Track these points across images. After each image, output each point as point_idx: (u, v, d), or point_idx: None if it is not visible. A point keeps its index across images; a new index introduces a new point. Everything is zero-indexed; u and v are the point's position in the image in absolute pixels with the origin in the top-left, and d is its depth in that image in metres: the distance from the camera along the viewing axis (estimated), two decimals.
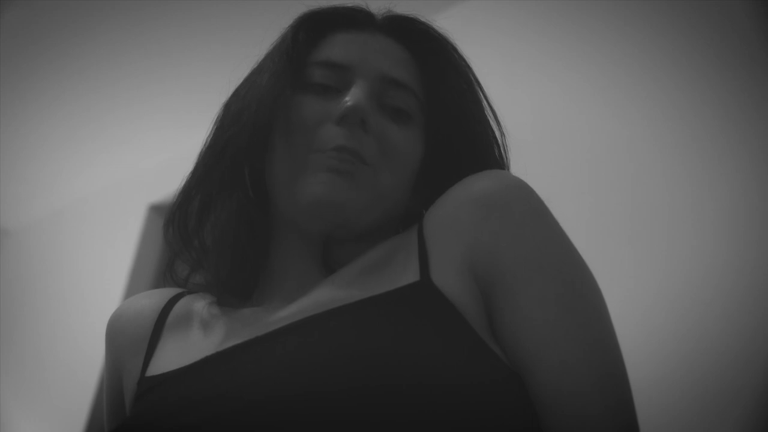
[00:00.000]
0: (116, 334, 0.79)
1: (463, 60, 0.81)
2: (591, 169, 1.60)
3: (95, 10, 2.30)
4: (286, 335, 0.62)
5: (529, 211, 0.65)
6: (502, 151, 0.79)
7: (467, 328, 0.60)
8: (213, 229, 0.77)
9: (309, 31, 0.78)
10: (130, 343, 0.77)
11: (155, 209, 2.77)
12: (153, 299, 0.80)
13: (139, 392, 0.70)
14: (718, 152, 1.44)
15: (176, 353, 0.71)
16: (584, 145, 1.64)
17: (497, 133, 0.79)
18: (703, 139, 1.48)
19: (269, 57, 0.79)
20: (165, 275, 0.80)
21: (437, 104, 0.77)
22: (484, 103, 0.79)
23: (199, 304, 0.77)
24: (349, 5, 0.81)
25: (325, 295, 0.67)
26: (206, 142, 0.78)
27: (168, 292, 0.81)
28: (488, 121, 0.79)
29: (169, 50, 2.46)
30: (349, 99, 0.71)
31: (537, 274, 0.62)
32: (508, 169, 0.78)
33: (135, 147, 2.89)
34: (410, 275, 0.64)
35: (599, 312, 0.63)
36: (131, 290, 2.63)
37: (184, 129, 2.49)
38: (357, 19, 0.79)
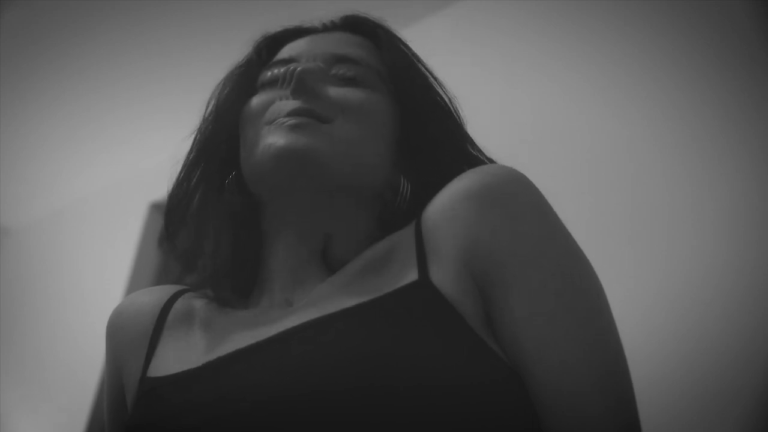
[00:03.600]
0: (117, 331, 0.79)
1: (404, 43, 0.84)
2: (591, 169, 1.60)
3: (95, 10, 2.30)
4: (291, 339, 0.62)
5: (528, 205, 0.65)
6: (456, 114, 0.81)
7: (466, 328, 0.60)
8: (211, 235, 0.79)
9: (267, 48, 0.83)
10: (130, 340, 0.77)
11: (156, 208, 2.77)
12: (154, 296, 0.80)
13: (140, 392, 0.70)
14: (718, 152, 1.44)
15: (178, 354, 0.71)
16: (584, 145, 1.64)
17: (447, 99, 0.81)
18: (703, 139, 1.48)
19: (230, 74, 0.83)
20: (165, 274, 0.81)
21: (395, 81, 0.79)
22: (430, 78, 0.82)
23: (199, 303, 0.77)
24: (302, 24, 0.86)
25: (327, 297, 0.67)
26: (185, 155, 0.82)
27: (169, 290, 0.81)
28: (437, 91, 0.81)
29: (169, 50, 2.46)
30: (294, 67, 0.73)
31: (535, 270, 0.61)
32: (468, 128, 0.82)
33: (135, 147, 2.90)
34: (409, 274, 0.64)
35: (600, 308, 0.62)
36: (132, 289, 2.63)
37: (184, 129, 2.49)
38: (309, 29, 0.84)
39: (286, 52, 0.80)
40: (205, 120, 0.82)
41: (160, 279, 2.64)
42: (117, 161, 3.01)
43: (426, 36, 2.05)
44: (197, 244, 0.78)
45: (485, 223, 0.63)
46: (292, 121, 0.71)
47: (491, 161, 0.78)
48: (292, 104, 0.72)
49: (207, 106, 0.82)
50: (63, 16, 2.34)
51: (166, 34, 2.39)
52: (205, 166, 0.79)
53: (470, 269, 0.63)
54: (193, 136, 0.82)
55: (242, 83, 0.80)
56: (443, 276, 0.63)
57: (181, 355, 0.71)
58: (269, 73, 0.78)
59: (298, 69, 0.73)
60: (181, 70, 2.52)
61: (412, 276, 0.64)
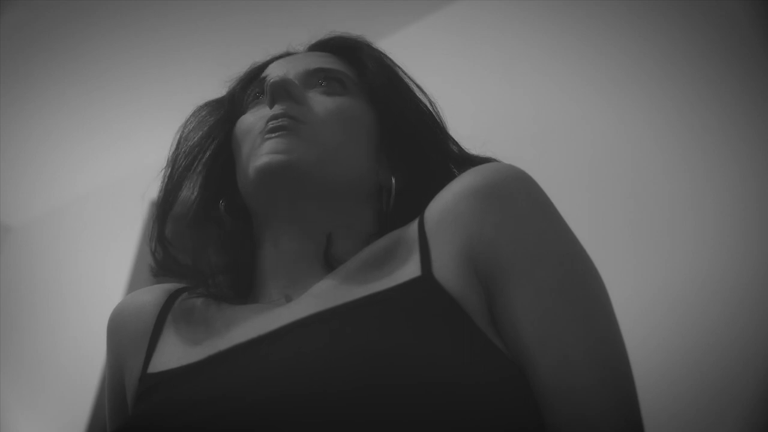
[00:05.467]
0: (118, 329, 0.80)
1: (384, 54, 0.86)
2: (591, 168, 1.61)
3: (95, 9, 2.30)
4: (289, 334, 0.62)
5: (530, 202, 0.65)
6: (437, 117, 0.83)
7: (470, 324, 0.60)
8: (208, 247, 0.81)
9: (251, 79, 0.85)
10: (131, 338, 0.77)
11: None
12: (154, 294, 0.81)
13: (141, 389, 0.70)
14: (719, 150, 1.44)
15: (179, 350, 0.72)
16: (584, 144, 1.64)
17: (427, 102, 0.83)
18: (703, 138, 1.48)
19: (210, 104, 0.86)
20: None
21: (375, 88, 0.80)
22: (410, 83, 0.84)
23: (199, 301, 0.78)
24: (288, 51, 0.88)
25: (327, 292, 0.67)
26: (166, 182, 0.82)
27: (169, 287, 0.82)
28: (416, 95, 0.83)
29: (170, 48, 2.46)
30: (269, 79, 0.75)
31: (538, 266, 0.62)
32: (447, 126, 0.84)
33: (136, 144, 2.90)
34: (412, 270, 0.64)
35: (601, 304, 0.63)
36: (133, 287, 2.63)
37: None
38: (293, 54, 0.86)
39: (268, 72, 0.82)
40: (194, 145, 0.82)
41: (161, 277, 2.63)
42: (118, 159, 3.01)
43: (426, 35, 2.05)
44: (197, 264, 0.79)
45: (488, 220, 0.64)
46: (272, 125, 0.73)
47: (473, 156, 0.80)
48: (271, 111, 0.74)
49: (192, 134, 0.84)
50: (63, 16, 2.34)
51: (167, 33, 2.39)
52: (199, 196, 0.80)
53: (473, 266, 0.63)
54: (174, 166, 0.82)
55: (232, 110, 0.83)
56: (446, 272, 0.63)
57: (181, 351, 0.71)
58: (252, 96, 0.81)
59: (272, 78, 0.75)
60: (182, 67, 2.52)
61: (415, 271, 0.64)
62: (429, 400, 0.53)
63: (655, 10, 1.66)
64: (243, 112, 0.81)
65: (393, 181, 0.76)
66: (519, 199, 0.65)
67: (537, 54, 1.84)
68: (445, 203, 0.67)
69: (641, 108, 1.59)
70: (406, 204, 0.75)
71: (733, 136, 1.44)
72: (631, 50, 1.67)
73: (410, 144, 0.78)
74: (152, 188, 0.85)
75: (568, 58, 1.77)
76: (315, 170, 0.72)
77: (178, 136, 0.84)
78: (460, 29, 2.02)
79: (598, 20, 1.76)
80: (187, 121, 0.85)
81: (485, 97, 1.85)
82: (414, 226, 0.70)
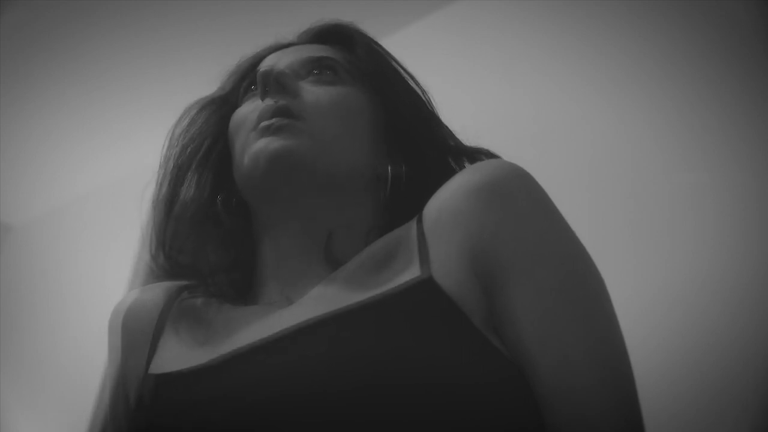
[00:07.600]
0: (119, 327, 0.79)
1: (377, 43, 0.85)
2: (591, 167, 1.61)
3: (95, 9, 2.30)
4: (290, 338, 0.62)
5: (531, 200, 0.65)
6: (430, 106, 0.83)
7: (468, 325, 0.60)
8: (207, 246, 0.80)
9: (243, 73, 0.85)
10: (133, 337, 0.77)
11: None
12: (155, 293, 0.81)
13: (143, 389, 0.70)
14: (718, 149, 1.44)
15: (180, 352, 0.71)
16: (584, 144, 1.64)
17: (419, 91, 0.83)
18: (703, 138, 1.48)
19: (208, 98, 0.86)
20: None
21: (370, 78, 0.80)
22: (403, 72, 0.84)
23: (200, 300, 0.78)
24: (279, 41, 0.87)
25: (327, 295, 0.67)
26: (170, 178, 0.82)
27: (169, 286, 0.82)
28: (407, 82, 0.83)
29: (171, 47, 2.46)
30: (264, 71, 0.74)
31: (538, 266, 0.62)
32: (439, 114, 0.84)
33: (137, 143, 2.90)
34: (411, 271, 0.64)
35: (601, 304, 0.63)
36: (133, 287, 2.63)
37: None
38: (287, 44, 0.86)
39: (261, 66, 0.81)
40: (188, 143, 0.82)
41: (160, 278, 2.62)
42: (118, 159, 3.01)
43: (426, 35, 2.05)
44: (197, 264, 0.79)
45: (488, 219, 0.63)
46: (266, 123, 0.72)
47: (468, 147, 0.80)
48: (267, 106, 0.73)
49: (185, 133, 0.83)
50: (63, 16, 2.34)
51: (167, 33, 2.40)
52: (197, 195, 0.80)
53: (473, 265, 0.63)
54: (172, 163, 0.82)
55: (225, 106, 0.82)
56: (445, 272, 0.63)
57: (182, 353, 0.71)
58: (246, 87, 0.81)
59: (265, 69, 0.74)
60: (182, 67, 2.52)
61: (414, 272, 0.64)
62: (428, 401, 0.53)
63: (655, 10, 1.66)
64: (238, 106, 0.80)
65: (389, 169, 0.75)
66: (519, 197, 0.65)
67: (537, 54, 1.84)
68: (444, 202, 0.67)
69: (641, 108, 1.59)
70: (404, 197, 0.75)
71: (733, 136, 1.44)
72: (631, 50, 1.67)
73: (405, 131, 0.78)
74: (149, 189, 0.85)
75: (568, 58, 1.77)
76: (312, 163, 0.71)
77: (169, 137, 0.84)
78: (460, 29, 2.02)
79: (598, 20, 1.76)
80: (178, 121, 0.85)
81: (485, 97, 1.85)
82: (413, 225, 0.69)
